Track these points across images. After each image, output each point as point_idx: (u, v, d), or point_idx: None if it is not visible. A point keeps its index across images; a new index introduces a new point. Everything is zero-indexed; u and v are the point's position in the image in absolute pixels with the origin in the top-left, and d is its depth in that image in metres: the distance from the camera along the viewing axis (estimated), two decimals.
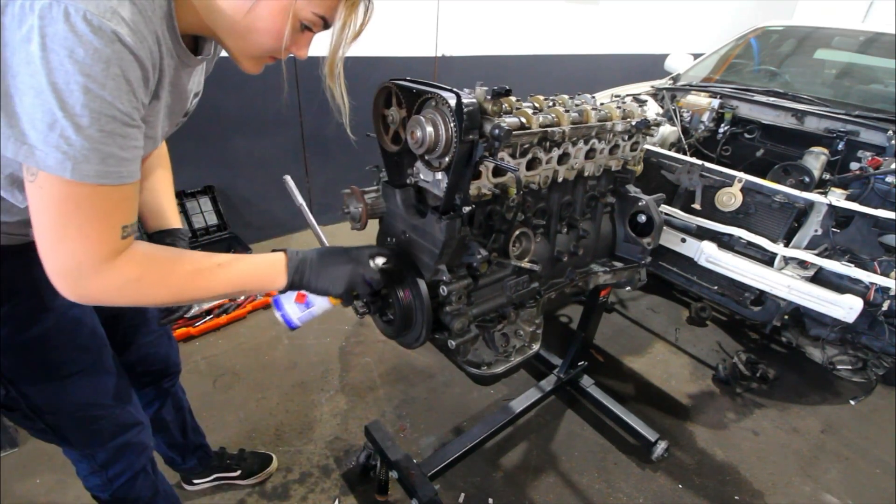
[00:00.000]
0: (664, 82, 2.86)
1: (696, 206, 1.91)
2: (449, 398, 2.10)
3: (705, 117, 2.45)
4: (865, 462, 1.98)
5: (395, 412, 2.01)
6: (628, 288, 1.56)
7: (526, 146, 1.09)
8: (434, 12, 3.34)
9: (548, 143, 1.12)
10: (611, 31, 4.48)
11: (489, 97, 0.88)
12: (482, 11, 3.58)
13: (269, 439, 1.85)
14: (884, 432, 2.13)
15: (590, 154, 1.27)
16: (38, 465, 1.69)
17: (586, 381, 2.03)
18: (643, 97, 1.46)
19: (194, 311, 2.42)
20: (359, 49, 3.06)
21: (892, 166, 1.85)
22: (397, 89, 0.97)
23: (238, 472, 1.66)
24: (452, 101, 0.84)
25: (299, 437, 1.87)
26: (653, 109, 2.42)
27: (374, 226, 1.21)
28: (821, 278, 1.68)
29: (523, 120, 1.05)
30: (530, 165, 1.14)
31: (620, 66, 4.67)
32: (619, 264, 1.52)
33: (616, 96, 1.45)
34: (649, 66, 3.86)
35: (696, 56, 3.12)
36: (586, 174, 1.30)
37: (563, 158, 1.20)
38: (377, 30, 3.15)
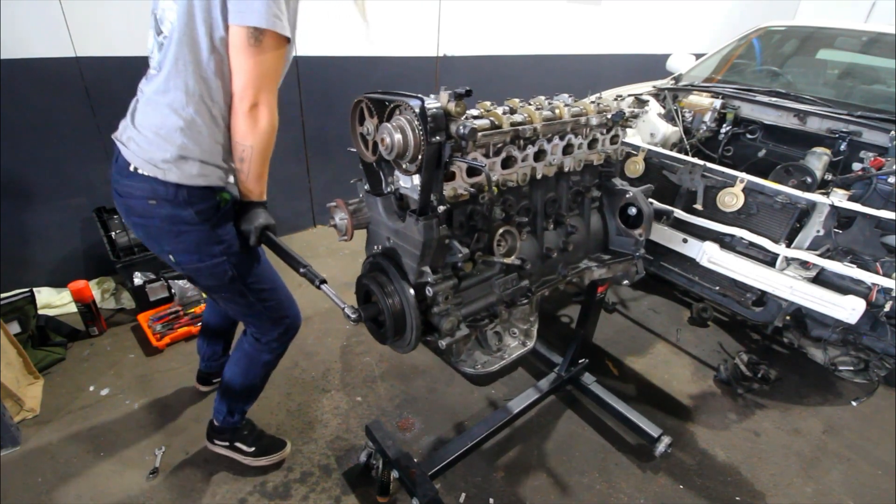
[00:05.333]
0: (666, 82, 2.86)
1: (698, 206, 1.91)
2: (450, 397, 2.10)
3: (707, 117, 2.45)
4: (867, 463, 1.97)
5: (396, 411, 2.01)
6: (626, 282, 1.56)
7: (499, 145, 1.12)
8: (436, 12, 3.34)
9: (521, 141, 1.15)
10: (612, 32, 4.47)
11: (452, 99, 0.92)
12: (484, 11, 3.58)
13: None
14: (885, 433, 2.12)
15: (567, 149, 1.29)
16: (39, 464, 1.69)
17: (588, 379, 2.03)
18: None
19: (193, 310, 2.42)
20: (360, 49, 3.08)
21: (895, 167, 1.85)
22: (368, 102, 1.02)
23: (253, 449, 1.70)
24: (417, 107, 0.89)
25: (300, 436, 1.87)
26: (655, 109, 2.42)
27: (361, 236, 1.24)
28: (823, 279, 1.67)
29: (493, 120, 1.08)
30: (505, 164, 1.16)
31: (622, 66, 4.67)
32: (611, 258, 1.52)
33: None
34: (651, 66, 3.86)
35: (697, 56, 3.12)
36: (567, 170, 1.32)
37: (539, 155, 1.22)
38: (379, 30, 3.17)
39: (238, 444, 1.70)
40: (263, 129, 1.18)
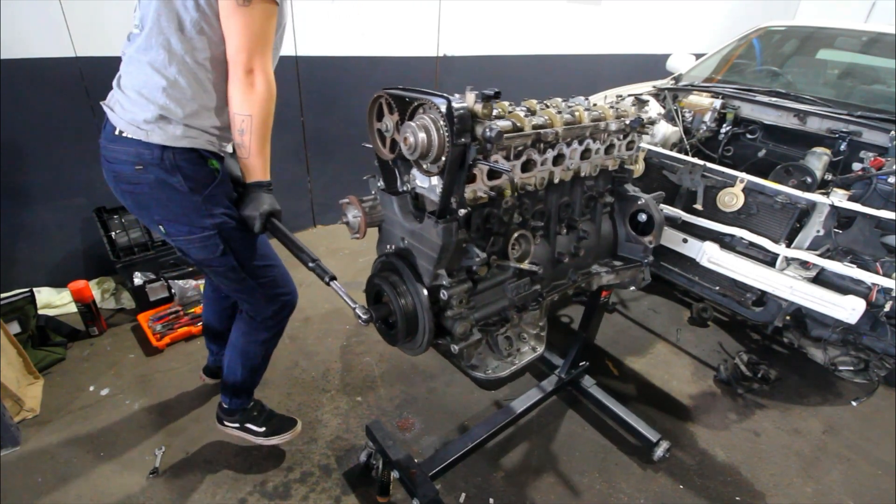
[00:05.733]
0: (666, 82, 2.86)
1: (698, 206, 1.91)
2: (450, 398, 2.10)
3: (707, 117, 2.45)
4: (867, 463, 1.97)
5: (396, 412, 2.01)
6: (632, 288, 1.56)
7: (520, 148, 1.10)
8: (436, 12, 3.34)
9: (541, 145, 1.13)
10: (612, 32, 4.47)
11: (479, 101, 0.90)
12: (484, 11, 3.58)
13: None
14: (885, 433, 2.12)
15: (585, 154, 1.27)
16: (39, 464, 1.69)
17: (587, 382, 2.03)
18: (645, 97, 1.46)
19: (194, 310, 2.42)
20: (361, 49, 3.09)
21: (895, 167, 1.85)
22: (389, 98, 0.99)
23: (264, 429, 1.71)
24: (443, 107, 0.86)
25: (300, 436, 1.86)
26: (654, 109, 2.42)
27: (373, 234, 1.22)
28: (823, 279, 1.67)
29: (516, 122, 1.06)
30: (525, 167, 1.15)
31: (622, 66, 4.67)
32: (621, 264, 1.52)
33: (619, 96, 1.44)
34: (651, 66, 3.86)
35: (697, 56, 3.12)
36: (583, 174, 1.31)
37: (558, 159, 1.20)
38: (379, 30, 3.17)
39: (249, 425, 1.71)
40: (261, 95, 1.16)
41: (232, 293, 1.50)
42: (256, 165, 1.24)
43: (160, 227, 1.29)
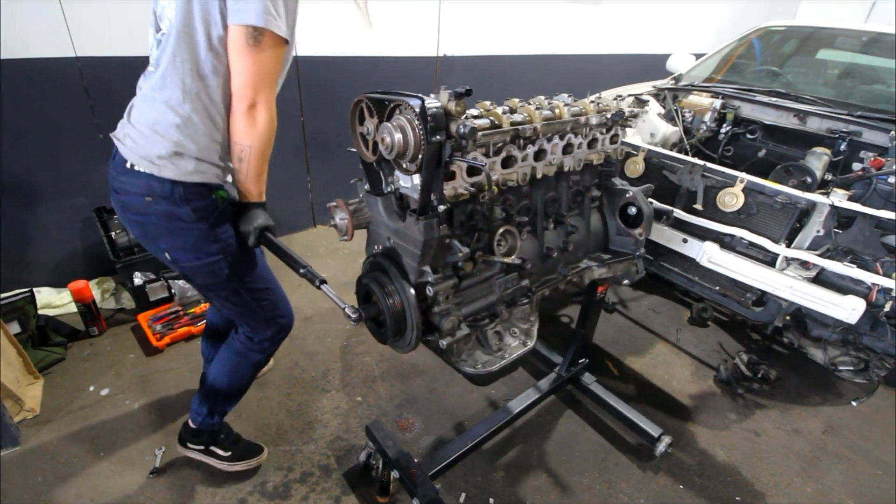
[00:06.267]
0: (666, 82, 2.86)
1: (698, 206, 1.91)
2: (450, 397, 2.10)
3: (707, 117, 2.45)
4: (867, 463, 1.97)
5: (396, 411, 2.01)
6: (626, 282, 1.56)
7: (499, 145, 1.12)
8: (436, 12, 3.34)
9: (521, 141, 1.15)
10: (612, 32, 4.47)
11: (452, 99, 0.92)
12: (484, 11, 3.58)
13: (271, 438, 1.85)
14: (885, 433, 2.12)
15: (567, 149, 1.29)
16: (39, 464, 1.69)
17: (588, 379, 2.03)
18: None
19: (194, 310, 2.42)
20: (360, 49, 3.09)
21: (895, 167, 1.85)
22: (368, 101, 1.02)
23: (229, 454, 1.68)
24: (417, 107, 0.89)
25: (300, 436, 1.87)
26: (655, 109, 2.42)
27: (361, 235, 1.24)
28: (823, 279, 1.67)
29: (494, 120, 1.08)
30: (506, 163, 1.17)
31: (622, 66, 4.67)
32: (612, 258, 1.52)
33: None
34: (651, 66, 3.86)
35: (697, 56, 3.12)
36: (566, 169, 1.32)
37: (539, 155, 1.22)
38: (379, 30, 3.16)
39: (214, 449, 1.68)
40: (262, 130, 1.19)
41: (234, 316, 1.51)
42: (252, 190, 1.28)
43: (166, 254, 1.31)
